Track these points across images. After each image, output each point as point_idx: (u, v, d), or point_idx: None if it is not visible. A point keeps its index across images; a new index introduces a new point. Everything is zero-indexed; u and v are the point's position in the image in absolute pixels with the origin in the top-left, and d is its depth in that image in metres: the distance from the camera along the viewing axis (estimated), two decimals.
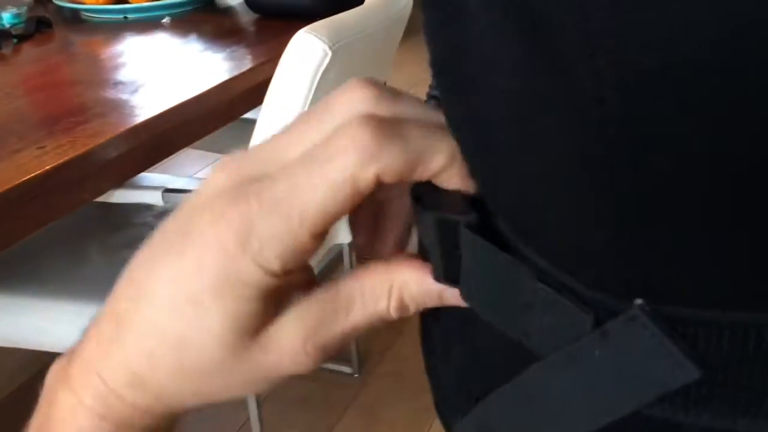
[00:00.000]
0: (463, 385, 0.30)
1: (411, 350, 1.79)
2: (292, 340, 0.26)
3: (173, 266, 0.25)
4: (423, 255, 0.27)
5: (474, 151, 0.25)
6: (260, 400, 1.43)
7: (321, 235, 0.24)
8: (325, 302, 0.26)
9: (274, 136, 0.26)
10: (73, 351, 0.27)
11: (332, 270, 1.96)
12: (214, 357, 0.25)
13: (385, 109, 0.25)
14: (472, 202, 0.26)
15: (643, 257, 0.21)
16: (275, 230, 0.24)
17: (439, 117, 0.25)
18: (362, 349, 1.81)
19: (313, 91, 1.05)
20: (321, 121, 0.25)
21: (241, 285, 0.24)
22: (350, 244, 1.51)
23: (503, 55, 0.21)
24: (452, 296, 0.27)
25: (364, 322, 0.27)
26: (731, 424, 0.22)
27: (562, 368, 0.24)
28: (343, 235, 1.47)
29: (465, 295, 0.26)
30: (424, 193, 0.26)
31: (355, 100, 0.25)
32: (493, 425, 0.27)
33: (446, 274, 0.26)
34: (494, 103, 0.22)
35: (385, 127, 0.24)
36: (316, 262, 1.40)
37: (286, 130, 0.26)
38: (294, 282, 0.26)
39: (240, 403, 1.45)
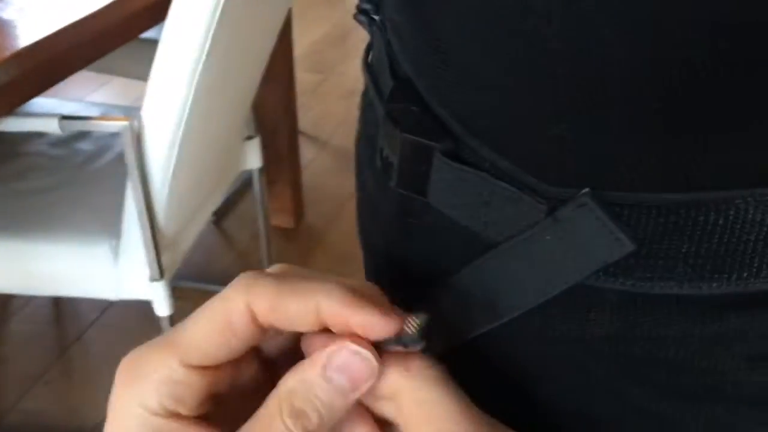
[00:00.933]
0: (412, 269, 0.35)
1: None
2: None
3: None
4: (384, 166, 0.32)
5: (432, 66, 0.28)
6: None
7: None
8: None
9: None
10: None
11: (241, 197, 1.89)
12: None
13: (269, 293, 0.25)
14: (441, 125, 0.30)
15: (588, 146, 0.25)
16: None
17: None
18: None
19: (221, 6, 0.96)
20: None
21: None
22: (260, 170, 1.44)
23: None
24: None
25: None
26: (649, 288, 0.26)
27: (518, 252, 0.28)
28: (252, 160, 1.40)
29: (432, 201, 0.31)
30: (401, 116, 0.30)
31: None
32: (451, 302, 0.31)
33: (410, 186, 0.31)
34: (459, 17, 0.25)
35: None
36: (223, 191, 1.34)
37: None
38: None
39: None
